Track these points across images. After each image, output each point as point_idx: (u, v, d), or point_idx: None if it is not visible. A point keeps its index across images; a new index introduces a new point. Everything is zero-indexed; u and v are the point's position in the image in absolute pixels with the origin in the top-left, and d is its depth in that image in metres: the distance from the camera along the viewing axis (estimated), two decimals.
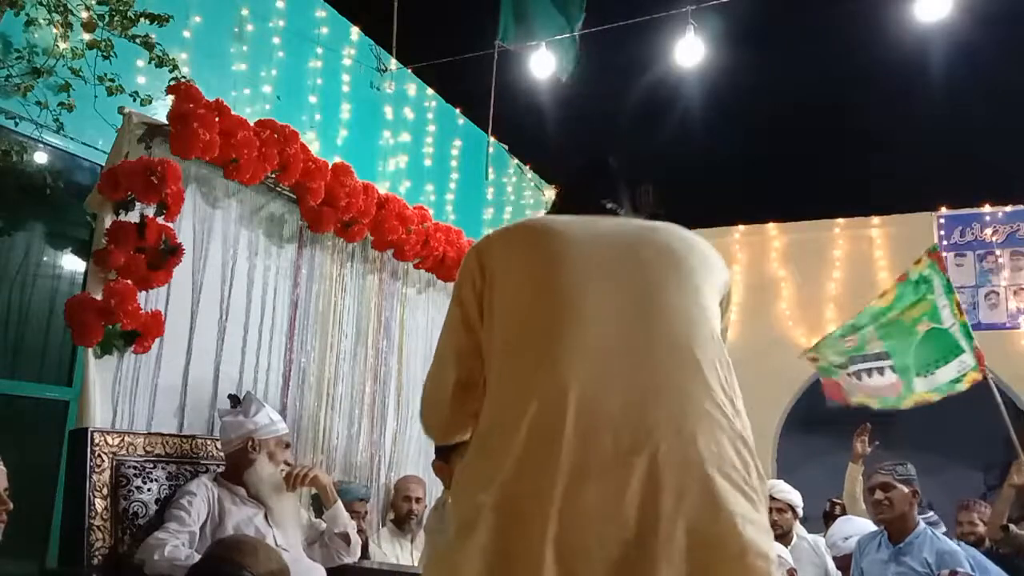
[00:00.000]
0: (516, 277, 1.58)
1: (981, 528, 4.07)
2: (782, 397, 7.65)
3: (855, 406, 4.76)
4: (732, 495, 1.37)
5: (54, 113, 3.93)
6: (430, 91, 7.04)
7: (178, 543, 2.60)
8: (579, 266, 1.55)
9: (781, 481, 4.47)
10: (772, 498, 4.33)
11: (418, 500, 4.04)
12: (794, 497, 4.39)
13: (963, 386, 4.49)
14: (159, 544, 2.57)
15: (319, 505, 3.55)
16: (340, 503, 3.21)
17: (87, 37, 3.97)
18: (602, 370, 1.43)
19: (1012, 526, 3.79)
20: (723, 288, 1.66)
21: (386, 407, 4.40)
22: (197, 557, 2.55)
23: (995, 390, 4.37)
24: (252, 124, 3.45)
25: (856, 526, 3.94)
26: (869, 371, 4.74)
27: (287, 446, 3.09)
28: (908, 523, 3.27)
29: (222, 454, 3.10)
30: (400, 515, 4.04)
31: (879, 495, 3.32)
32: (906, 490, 3.29)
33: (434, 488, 4.71)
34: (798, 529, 4.48)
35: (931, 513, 3.88)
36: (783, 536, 4.21)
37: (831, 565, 4.26)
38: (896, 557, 3.23)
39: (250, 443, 2.93)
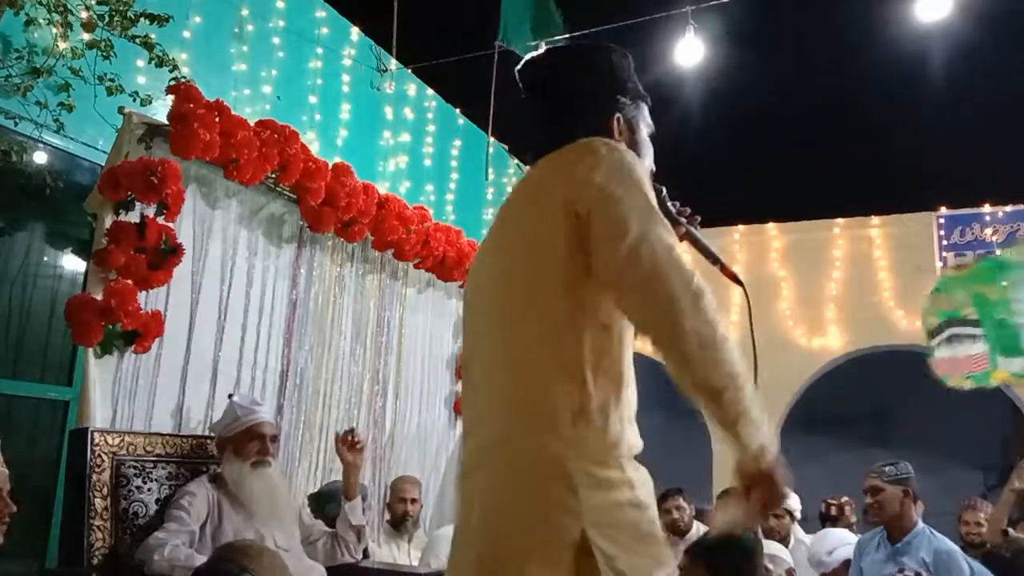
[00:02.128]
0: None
1: (986, 529, 4.05)
2: (782, 397, 7.65)
3: (951, 388, 4.74)
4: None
5: (54, 113, 3.93)
6: (430, 91, 7.04)
7: (178, 543, 2.60)
8: (467, 298, 1.67)
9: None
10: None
11: (413, 501, 4.04)
12: (792, 502, 4.38)
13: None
14: (159, 544, 2.57)
15: (317, 505, 3.55)
16: (360, 497, 3.25)
17: (87, 37, 3.97)
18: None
19: (1011, 530, 3.79)
20: (558, 222, 1.44)
21: (384, 407, 4.40)
22: (197, 557, 2.55)
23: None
24: (252, 124, 3.45)
25: (835, 538, 3.89)
26: (964, 337, 4.72)
27: (262, 437, 2.97)
28: (904, 523, 3.26)
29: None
30: (396, 516, 4.04)
31: (868, 499, 3.32)
32: (896, 490, 3.27)
33: (431, 489, 4.71)
34: (796, 532, 4.47)
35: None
36: (782, 540, 4.19)
37: None
38: (894, 557, 3.22)
39: (218, 443, 2.99)
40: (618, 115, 1.65)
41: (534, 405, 1.41)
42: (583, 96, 1.64)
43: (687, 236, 1.67)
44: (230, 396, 3.18)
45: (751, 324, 1.64)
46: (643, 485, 1.44)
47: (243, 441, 2.93)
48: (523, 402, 1.43)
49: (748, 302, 1.67)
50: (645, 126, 1.71)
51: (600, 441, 1.40)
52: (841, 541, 3.74)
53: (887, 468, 3.33)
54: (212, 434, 3.10)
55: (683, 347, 1.34)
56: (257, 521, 2.84)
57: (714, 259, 1.67)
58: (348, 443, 3.26)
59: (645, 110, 1.72)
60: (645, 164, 1.65)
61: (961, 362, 4.68)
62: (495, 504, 1.41)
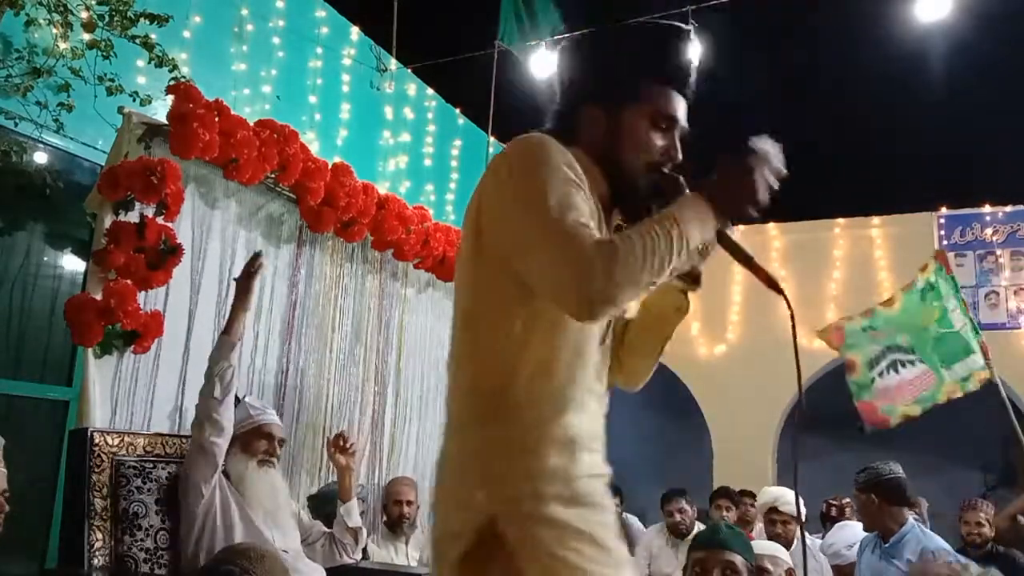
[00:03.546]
0: None
1: (987, 529, 4.05)
2: (782, 397, 7.64)
3: (897, 425, 4.64)
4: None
5: (54, 113, 3.93)
6: (430, 91, 7.03)
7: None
8: None
9: (786, 491, 4.37)
10: (777, 511, 4.31)
11: (409, 503, 4.03)
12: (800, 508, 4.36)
13: (972, 385, 4.47)
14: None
15: (316, 505, 3.55)
16: (356, 499, 3.24)
17: (87, 37, 3.96)
18: None
19: (1021, 517, 3.80)
20: (474, 224, 1.41)
21: (384, 408, 4.40)
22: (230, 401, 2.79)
23: (1002, 389, 4.37)
24: (252, 124, 3.45)
25: (853, 532, 3.90)
26: (903, 363, 4.67)
27: (270, 437, 3.00)
28: (888, 524, 3.26)
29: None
30: (392, 518, 4.03)
31: (848, 510, 3.35)
32: (866, 497, 3.27)
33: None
34: (798, 533, 4.46)
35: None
36: (786, 545, 4.19)
37: (827, 569, 4.24)
38: (886, 557, 3.24)
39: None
40: (598, 103, 1.49)
41: (460, 400, 1.44)
42: (562, 84, 1.57)
43: (720, 237, 1.43)
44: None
45: (794, 334, 1.50)
46: (578, 479, 1.35)
47: (252, 439, 2.95)
48: (454, 395, 1.46)
49: (790, 309, 1.49)
50: (645, 115, 1.50)
51: (521, 433, 1.36)
52: (859, 535, 3.74)
53: (859, 475, 3.36)
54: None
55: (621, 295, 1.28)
56: (259, 520, 2.83)
57: (748, 261, 1.45)
58: (339, 447, 3.26)
59: (659, 93, 1.52)
60: (631, 159, 1.49)
61: (905, 387, 4.62)
62: (432, 505, 1.50)
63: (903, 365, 4.64)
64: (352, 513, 3.18)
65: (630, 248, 1.26)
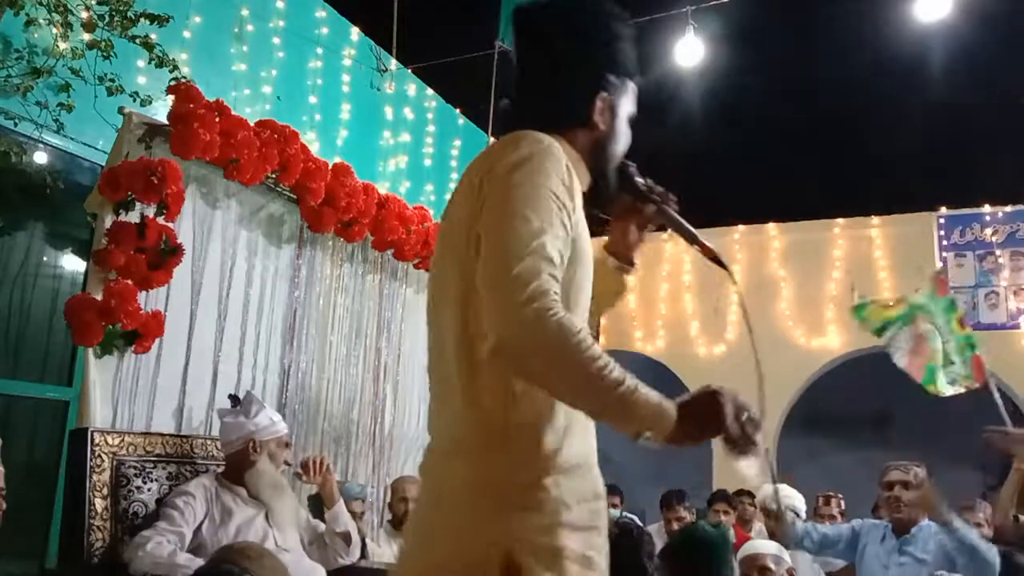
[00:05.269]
0: None
1: (986, 529, 4.06)
2: (782, 397, 7.65)
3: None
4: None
5: (54, 113, 3.94)
6: (430, 91, 7.04)
7: (162, 540, 2.58)
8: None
9: (784, 486, 4.41)
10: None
11: (414, 500, 4.04)
12: (798, 503, 4.38)
13: (957, 388, 4.50)
14: (143, 541, 2.56)
15: (317, 505, 3.55)
16: (342, 502, 3.21)
17: (87, 37, 3.97)
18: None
19: (1022, 516, 3.80)
20: (465, 235, 1.34)
21: (384, 407, 4.40)
22: (181, 555, 2.55)
23: (995, 390, 4.37)
24: (252, 124, 3.46)
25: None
26: (916, 336, 4.65)
27: (287, 446, 3.09)
28: (916, 519, 3.34)
29: (222, 454, 3.10)
30: (397, 516, 4.04)
31: (895, 491, 3.37)
32: (919, 495, 3.36)
33: None
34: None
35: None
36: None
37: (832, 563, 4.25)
38: (900, 548, 3.28)
39: (251, 444, 2.92)
40: (603, 94, 1.49)
41: (457, 424, 1.34)
42: (570, 69, 1.48)
43: (662, 215, 1.57)
44: (230, 396, 3.18)
45: (744, 307, 1.58)
46: (581, 503, 1.32)
47: (276, 449, 2.98)
48: (447, 418, 1.37)
49: (734, 282, 1.57)
50: (627, 110, 1.55)
51: (528, 460, 1.30)
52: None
53: (917, 470, 3.40)
54: (239, 436, 2.96)
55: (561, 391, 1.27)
56: (259, 519, 2.84)
57: (691, 238, 1.55)
58: (305, 475, 3.19)
59: (632, 90, 1.56)
60: (617, 152, 1.53)
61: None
62: (422, 530, 1.38)
63: (912, 339, 4.64)
64: (338, 518, 3.15)
65: (586, 355, 1.19)
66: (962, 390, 4.44)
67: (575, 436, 1.35)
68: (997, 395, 4.22)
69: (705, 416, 1.24)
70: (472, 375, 1.32)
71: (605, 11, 1.53)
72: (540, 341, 1.20)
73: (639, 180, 1.57)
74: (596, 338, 1.28)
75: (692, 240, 1.54)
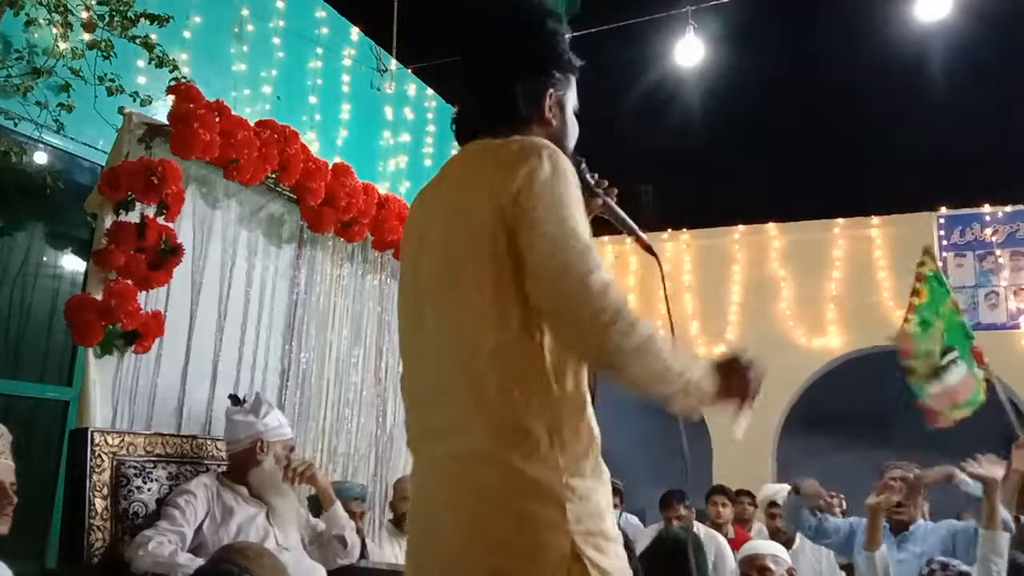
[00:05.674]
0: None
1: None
2: (782, 397, 7.65)
3: (955, 423, 4.66)
4: None
5: (54, 113, 3.94)
6: (430, 91, 7.04)
7: (163, 539, 2.58)
8: (404, 268, 1.60)
9: (786, 486, 4.38)
10: (777, 504, 4.32)
11: None
12: None
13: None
14: (144, 541, 2.56)
15: (317, 505, 3.55)
16: (338, 504, 3.20)
17: (87, 37, 3.97)
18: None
19: (1022, 517, 3.80)
20: (494, 215, 1.38)
21: (385, 407, 4.40)
22: (182, 555, 2.55)
23: (999, 390, 4.37)
24: (252, 124, 3.45)
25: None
26: (955, 361, 4.69)
27: (292, 449, 3.09)
28: (913, 517, 3.35)
29: (223, 453, 3.10)
30: (398, 515, 4.04)
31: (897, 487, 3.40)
32: (919, 494, 3.41)
33: None
34: None
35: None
36: (787, 541, 4.19)
37: (833, 562, 4.25)
38: (898, 545, 3.29)
39: (259, 444, 2.92)
40: (551, 91, 1.55)
41: (507, 422, 1.35)
42: (519, 69, 1.54)
43: (604, 208, 1.67)
44: (230, 396, 3.18)
45: (666, 296, 1.71)
46: (604, 486, 1.43)
47: (283, 452, 2.98)
48: (457, 419, 1.39)
49: (662, 271, 1.73)
50: (573, 104, 1.62)
51: (575, 452, 1.37)
52: None
53: (918, 471, 3.44)
54: (248, 435, 2.95)
55: (627, 373, 1.36)
56: (260, 518, 2.83)
57: (630, 230, 1.71)
58: (292, 476, 3.15)
59: (574, 85, 1.62)
60: (570, 146, 1.60)
61: (955, 390, 4.64)
62: (466, 534, 1.37)
63: (955, 364, 4.66)
64: (334, 520, 3.14)
65: (665, 358, 1.36)
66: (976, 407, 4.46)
67: (594, 421, 1.44)
68: (1004, 398, 4.22)
69: (738, 389, 1.46)
70: (522, 377, 1.35)
71: (543, 11, 1.59)
72: (636, 351, 1.33)
73: (588, 176, 1.63)
74: None
75: (630, 231, 1.71)
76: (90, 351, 2.96)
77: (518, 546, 1.33)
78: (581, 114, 1.66)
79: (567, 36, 1.61)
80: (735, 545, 4.49)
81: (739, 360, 1.47)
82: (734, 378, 1.45)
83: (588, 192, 1.63)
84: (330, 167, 3.83)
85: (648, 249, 1.71)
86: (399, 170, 6.56)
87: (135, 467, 2.85)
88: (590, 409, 1.44)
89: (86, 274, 3.63)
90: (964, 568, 2.74)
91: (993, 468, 3.12)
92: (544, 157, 1.39)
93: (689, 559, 2.42)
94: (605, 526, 1.38)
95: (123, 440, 2.88)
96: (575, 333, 1.33)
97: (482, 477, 1.36)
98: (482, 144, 1.49)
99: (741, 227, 8.31)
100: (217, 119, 3.24)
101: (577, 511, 1.34)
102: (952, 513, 4.33)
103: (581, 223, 1.38)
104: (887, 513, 3.35)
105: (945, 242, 7.59)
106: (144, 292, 3.08)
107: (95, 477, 2.73)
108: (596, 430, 1.43)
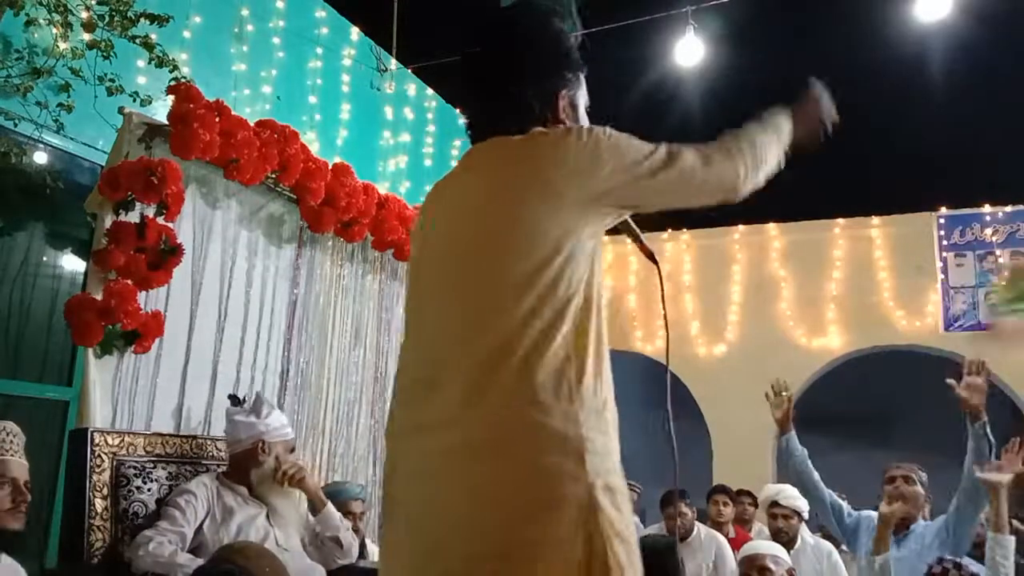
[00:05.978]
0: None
1: (985, 530, 4.06)
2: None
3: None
4: None
5: (54, 113, 3.94)
6: (430, 91, 7.04)
7: (163, 540, 2.59)
8: (418, 268, 1.60)
9: (787, 486, 4.37)
10: (778, 504, 4.31)
11: None
12: (800, 503, 4.35)
13: None
14: (144, 541, 2.57)
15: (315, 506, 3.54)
16: (330, 506, 3.17)
17: (87, 37, 3.97)
18: None
19: (1015, 521, 3.79)
20: (550, 199, 1.43)
21: (384, 407, 4.40)
22: (182, 555, 2.55)
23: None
24: (252, 124, 3.45)
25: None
26: None
27: (292, 450, 3.09)
28: (914, 517, 3.36)
29: (223, 453, 3.10)
30: None
31: (898, 486, 3.40)
32: (921, 492, 3.41)
33: None
34: (804, 533, 4.45)
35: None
36: (789, 542, 4.18)
37: (838, 562, 4.24)
38: (897, 543, 3.29)
39: (261, 445, 2.91)
40: (563, 92, 1.58)
41: (525, 380, 1.36)
42: (534, 69, 1.55)
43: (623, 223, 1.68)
44: (230, 396, 3.18)
45: (663, 301, 1.79)
46: (616, 443, 1.45)
47: (284, 452, 2.98)
48: (512, 378, 1.38)
49: (661, 279, 1.74)
50: (584, 102, 1.64)
51: (593, 407, 1.40)
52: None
53: (920, 472, 3.46)
54: (249, 435, 2.95)
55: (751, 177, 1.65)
56: (261, 518, 2.83)
57: (634, 236, 1.72)
58: (282, 479, 3.14)
59: (584, 83, 1.65)
60: None
61: None
62: (485, 491, 1.36)
63: None
64: (327, 522, 3.12)
65: (759, 149, 1.70)
66: None
67: (611, 385, 1.47)
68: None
69: (812, 118, 1.88)
70: (544, 335, 1.38)
71: (551, 12, 1.61)
72: (748, 173, 1.64)
73: None
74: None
75: (635, 237, 1.73)
76: (90, 351, 2.96)
77: (541, 499, 1.34)
78: None
79: (580, 32, 1.66)
80: (735, 545, 4.49)
81: (809, 92, 1.79)
82: (806, 109, 1.81)
83: None
84: (330, 167, 3.83)
85: (650, 256, 1.71)
86: (399, 170, 6.56)
87: (135, 467, 2.86)
88: (607, 366, 1.46)
89: (86, 274, 3.63)
90: (975, 569, 2.75)
91: (1000, 473, 3.13)
92: (578, 128, 1.50)
93: (662, 564, 2.40)
94: (620, 482, 1.40)
95: (123, 440, 2.88)
96: (743, 192, 1.64)
97: (502, 433, 1.36)
98: (505, 139, 1.52)
99: (741, 227, 8.30)
100: (217, 119, 3.24)
101: (596, 464, 1.36)
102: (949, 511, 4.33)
103: (649, 144, 1.51)
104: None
105: (945, 242, 7.59)
106: (144, 292, 3.08)
107: (95, 477, 2.73)
108: (611, 387, 1.45)
